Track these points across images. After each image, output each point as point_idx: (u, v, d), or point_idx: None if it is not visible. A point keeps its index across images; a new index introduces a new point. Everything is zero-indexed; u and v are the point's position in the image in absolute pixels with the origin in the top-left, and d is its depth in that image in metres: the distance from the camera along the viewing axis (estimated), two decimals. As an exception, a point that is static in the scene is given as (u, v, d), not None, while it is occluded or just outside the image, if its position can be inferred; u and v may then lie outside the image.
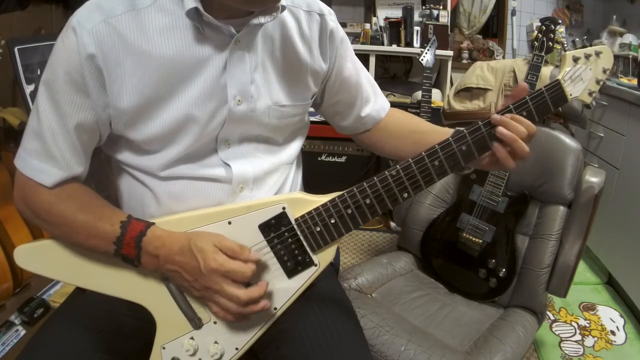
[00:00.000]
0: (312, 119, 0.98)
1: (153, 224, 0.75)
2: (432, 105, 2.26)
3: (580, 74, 0.78)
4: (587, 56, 0.79)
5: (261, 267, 0.78)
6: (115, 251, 0.74)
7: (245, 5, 0.71)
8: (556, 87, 0.77)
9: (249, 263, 0.73)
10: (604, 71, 0.79)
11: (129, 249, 0.73)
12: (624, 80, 2.43)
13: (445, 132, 0.86)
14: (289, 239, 0.78)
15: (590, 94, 0.79)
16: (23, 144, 0.75)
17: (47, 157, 0.74)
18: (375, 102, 0.97)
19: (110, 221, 0.74)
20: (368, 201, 0.76)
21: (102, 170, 0.91)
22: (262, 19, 0.74)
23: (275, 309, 0.80)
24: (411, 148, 0.91)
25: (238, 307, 0.72)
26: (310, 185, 0.99)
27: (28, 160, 0.74)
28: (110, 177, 0.89)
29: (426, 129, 0.93)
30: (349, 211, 0.76)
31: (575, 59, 0.78)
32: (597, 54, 0.79)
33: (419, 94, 2.29)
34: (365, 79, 0.96)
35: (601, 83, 0.80)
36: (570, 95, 0.78)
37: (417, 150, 0.76)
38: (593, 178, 1.36)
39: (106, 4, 0.70)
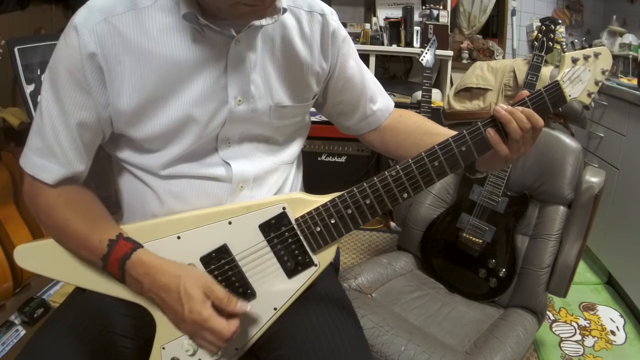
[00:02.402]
0: (313, 119, 0.98)
1: (141, 246, 0.75)
2: (432, 105, 2.26)
3: (579, 75, 0.79)
4: (586, 57, 0.79)
5: (261, 268, 0.78)
6: (102, 267, 0.75)
7: (230, 19, 0.72)
8: (555, 88, 0.77)
9: (232, 322, 0.71)
10: (603, 72, 0.80)
11: (114, 268, 0.74)
12: (624, 80, 2.43)
13: None
14: (289, 239, 0.78)
15: (589, 94, 0.79)
16: (27, 142, 0.77)
17: (48, 154, 0.74)
18: (381, 102, 0.97)
19: (100, 237, 0.74)
20: (368, 201, 0.76)
21: (102, 170, 0.92)
22: (263, 21, 0.74)
23: (275, 309, 0.80)
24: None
25: (218, 344, 0.72)
26: (310, 185, 0.99)
27: (30, 158, 0.75)
28: (111, 177, 0.89)
29: (443, 132, 0.91)
30: (349, 211, 0.77)
31: (574, 60, 0.79)
32: (596, 55, 0.79)
33: (419, 94, 2.30)
34: (369, 78, 0.95)
35: (600, 84, 0.80)
36: (570, 96, 0.78)
37: None
38: (593, 178, 1.36)
39: (107, 3, 0.71)
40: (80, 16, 0.70)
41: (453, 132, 0.79)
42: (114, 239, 0.74)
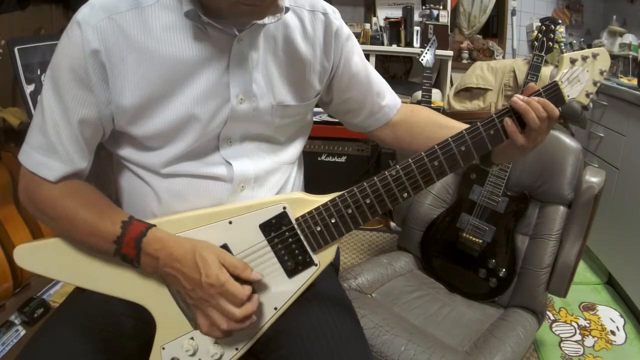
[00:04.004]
0: (313, 118, 0.98)
1: (154, 225, 0.75)
2: (432, 105, 2.26)
3: (578, 75, 0.79)
4: (584, 58, 0.79)
5: (262, 268, 0.78)
6: (115, 250, 0.74)
7: (232, 18, 0.72)
8: (554, 89, 0.77)
9: (246, 287, 0.72)
10: (601, 73, 0.80)
11: (129, 249, 0.73)
12: (624, 80, 2.43)
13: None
14: (290, 239, 0.78)
15: (587, 95, 0.80)
16: (27, 139, 0.76)
17: (50, 152, 0.74)
18: (389, 98, 0.97)
19: (111, 220, 0.74)
20: (368, 201, 0.76)
21: (102, 169, 0.92)
22: (265, 20, 0.74)
23: (276, 309, 0.80)
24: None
25: (229, 323, 0.72)
26: (311, 185, 0.99)
27: (32, 155, 0.75)
28: (111, 176, 0.89)
29: (457, 125, 0.90)
30: (349, 211, 0.77)
31: (573, 61, 0.79)
32: (594, 55, 0.79)
33: (419, 94, 2.30)
34: (375, 75, 0.95)
35: (598, 84, 0.80)
36: (568, 96, 0.78)
37: None
38: (593, 178, 1.36)
39: (111, 1, 0.71)
40: (83, 13, 0.70)
41: (466, 125, 0.80)
42: (126, 220, 0.74)
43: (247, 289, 0.72)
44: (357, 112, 0.96)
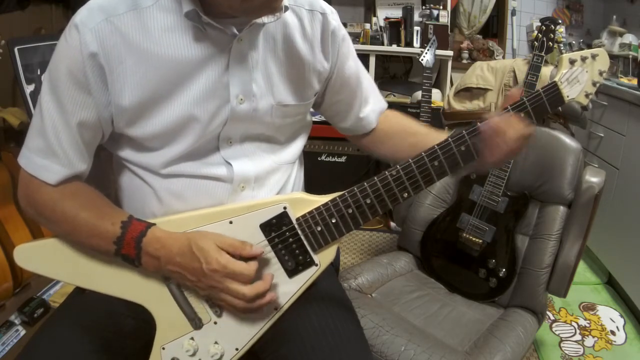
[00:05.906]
0: (313, 118, 0.98)
1: (154, 224, 0.75)
2: (432, 105, 2.26)
3: (577, 76, 0.79)
4: (584, 58, 0.79)
5: (262, 267, 0.78)
6: (115, 251, 0.74)
7: (243, 15, 0.72)
8: (553, 89, 0.78)
9: (251, 263, 0.73)
10: (600, 73, 0.80)
11: (129, 249, 0.73)
12: (624, 80, 2.43)
13: (442, 135, 0.86)
14: (290, 239, 0.78)
15: (586, 95, 0.80)
16: (26, 142, 0.76)
17: (50, 155, 0.74)
18: (374, 104, 0.97)
19: (111, 220, 0.74)
20: (368, 201, 0.76)
21: (102, 170, 0.92)
22: (265, 19, 0.74)
23: (276, 309, 0.80)
24: (409, 150, 0.90)
25: (244, 303, 0.73)
26: (311, 185, 0.99)
27: (31, 158, 0.75)
28: (110, 177, 0.89)
29: (424, 131, 0.93)
30: (350, 211, 0.77)
31: (572, 62, 0.79)
32: (593, 56, 0.79)
33: (419, 94, 2.30)
34: (366, 79, 0.96)
35: (597, 85, 0.80)
36: (567, 96, 0.79)
37: (415, 152, 0.77)
38: (593, 178, 1.36)
39: (109, 3, 0.71)
40: (81, 15, 0.70)
41: (434, 130, 0.83)
42: (126, 220, 0.75)
43: (252, 265, 0.73)
44: (344, 115, 0.97)
